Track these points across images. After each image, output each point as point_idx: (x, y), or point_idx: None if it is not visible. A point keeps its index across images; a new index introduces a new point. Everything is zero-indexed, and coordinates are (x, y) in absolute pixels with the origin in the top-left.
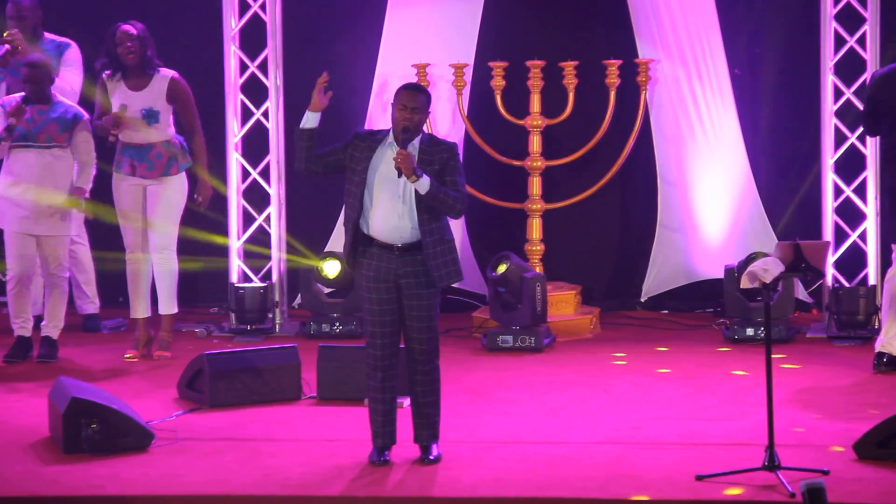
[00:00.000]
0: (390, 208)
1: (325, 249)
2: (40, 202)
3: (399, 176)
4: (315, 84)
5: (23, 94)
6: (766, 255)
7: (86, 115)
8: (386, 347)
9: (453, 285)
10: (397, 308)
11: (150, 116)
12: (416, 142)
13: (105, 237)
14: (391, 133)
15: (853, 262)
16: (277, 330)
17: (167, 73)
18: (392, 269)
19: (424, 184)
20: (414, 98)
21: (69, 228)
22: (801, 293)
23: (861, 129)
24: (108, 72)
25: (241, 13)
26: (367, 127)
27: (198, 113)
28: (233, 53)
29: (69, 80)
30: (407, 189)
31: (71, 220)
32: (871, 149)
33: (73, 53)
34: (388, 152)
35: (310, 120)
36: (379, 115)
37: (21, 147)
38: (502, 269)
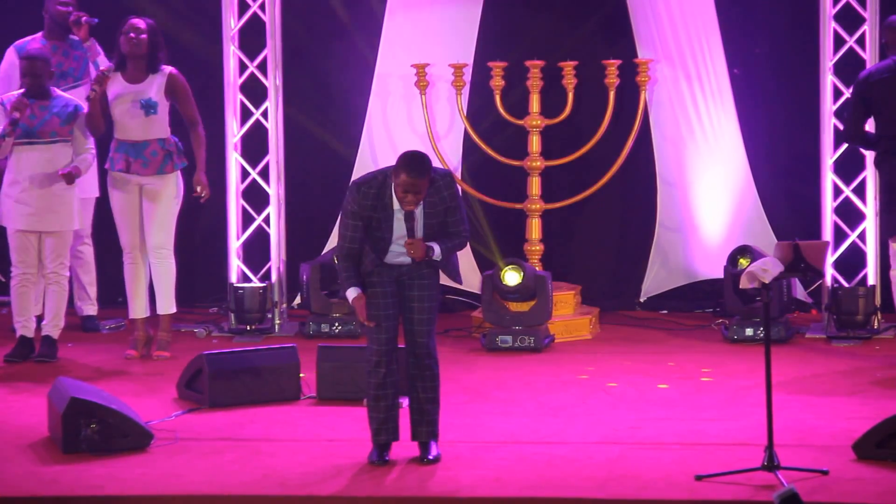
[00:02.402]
0: (402, 249)
1: (326, 249)
2: (45, 198)
3: (413, 262)
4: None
5: (22, 90)
6: (752, 248)
7: (85, 108)
8: (389, 342)
9: (452, 285)
10: (398, 302)
11: (149, 107)
12: None
13: (104, 237)
14: (392, 186)
15: (852, 261)
16: (277, 330)
17: (165, 68)
18: (395, 266)
19: (437, 256)
20: (416, 185)
21: (73, 223)
22: (801, 293)
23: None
24: (109, 65)
25: (241, 13)
26: (365, 127)
27: (196, 106)
28: (232, 53)
29: (91, 153)
30: (417, 233)
31: (75, 215)
32: None
33: (98, 48)
34: (398, 219)
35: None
36: (378, 115)
37: (25, 144)
38: (518, 278)
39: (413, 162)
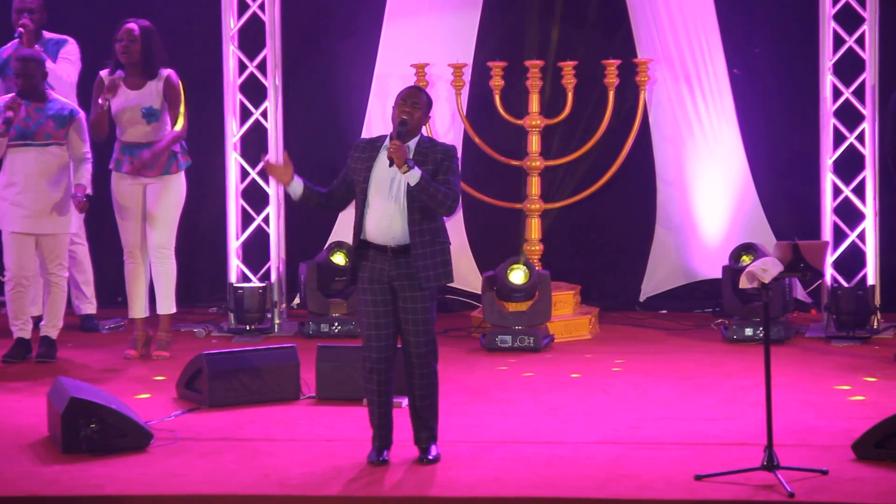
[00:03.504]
0: (382, 209)
1: (326, 245)
2: (40, 200)
3: (390, 165)
4: (273, 163)
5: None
6: (755, 245)
7: (81, 112)
8: (381, 350)
9: (452, 285)
10: (392, 311)
11: (151, 115)
12: (413, 143)
13: (104, 237)
14: (388, 137)
15: (852, 262)
16: (276, 330)
17: (163, 72)
18: (386, 270)
19: (415, 175)
20: (414, 94)
21: (69, 226)
22: (800, 293)
23: (860, 129)
24: (106, 70)
25: (240, 13)
26: (365, 126)
27: (186, 112)
28: (232, 53)
29: (66, 71)
30: (400, 190)
31: (71, 217)
32: (869, 149)
33: (71, 48)
34: (384, 154)
35: (293, 191)
36: (378, 115)
37: (20, 146)
38: (523, 277)
39: (413, 85)
